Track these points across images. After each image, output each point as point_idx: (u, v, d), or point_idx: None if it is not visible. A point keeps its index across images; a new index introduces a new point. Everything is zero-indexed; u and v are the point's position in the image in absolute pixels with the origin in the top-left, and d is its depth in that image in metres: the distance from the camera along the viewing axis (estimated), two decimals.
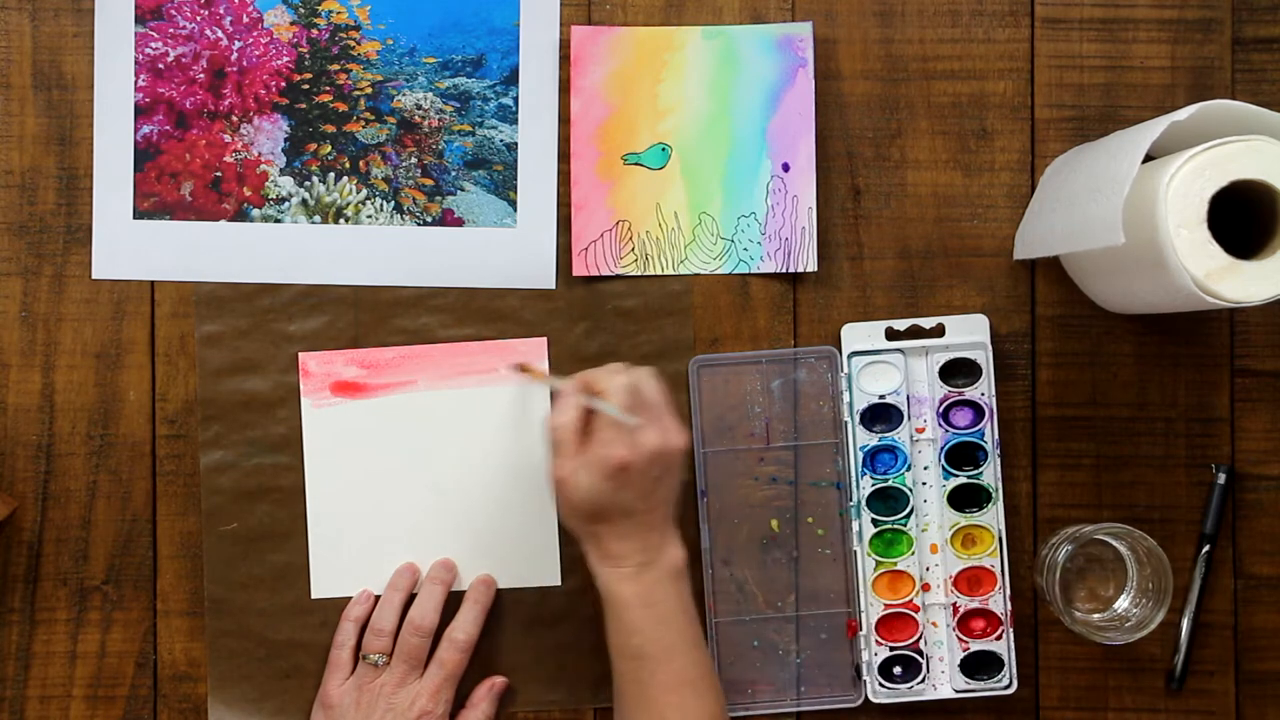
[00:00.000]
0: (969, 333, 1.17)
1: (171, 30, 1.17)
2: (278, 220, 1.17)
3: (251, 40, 1.17)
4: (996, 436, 1.16)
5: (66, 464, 1.17)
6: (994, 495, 1.16)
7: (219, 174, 1.17)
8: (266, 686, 1.17)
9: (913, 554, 1.16)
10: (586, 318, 1.17)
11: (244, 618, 1.17)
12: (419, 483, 1.16)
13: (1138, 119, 1.15)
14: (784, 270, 1.17)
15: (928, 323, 1.17)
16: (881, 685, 1.16)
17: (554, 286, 1.17)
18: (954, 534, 1.16)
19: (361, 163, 1.18)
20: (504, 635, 1.16)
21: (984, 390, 1.16)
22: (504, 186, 1.17)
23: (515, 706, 1.17)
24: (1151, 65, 1.18)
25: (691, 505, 1.17)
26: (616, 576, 1.07)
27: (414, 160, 1.18)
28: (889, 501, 1.16)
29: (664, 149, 1.17)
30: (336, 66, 1.18)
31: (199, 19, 1.17)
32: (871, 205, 1.18)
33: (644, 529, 1.06)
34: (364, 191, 1.17)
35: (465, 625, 1.14)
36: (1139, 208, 1.01)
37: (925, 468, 1.17)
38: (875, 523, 1.16)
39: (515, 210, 1.17)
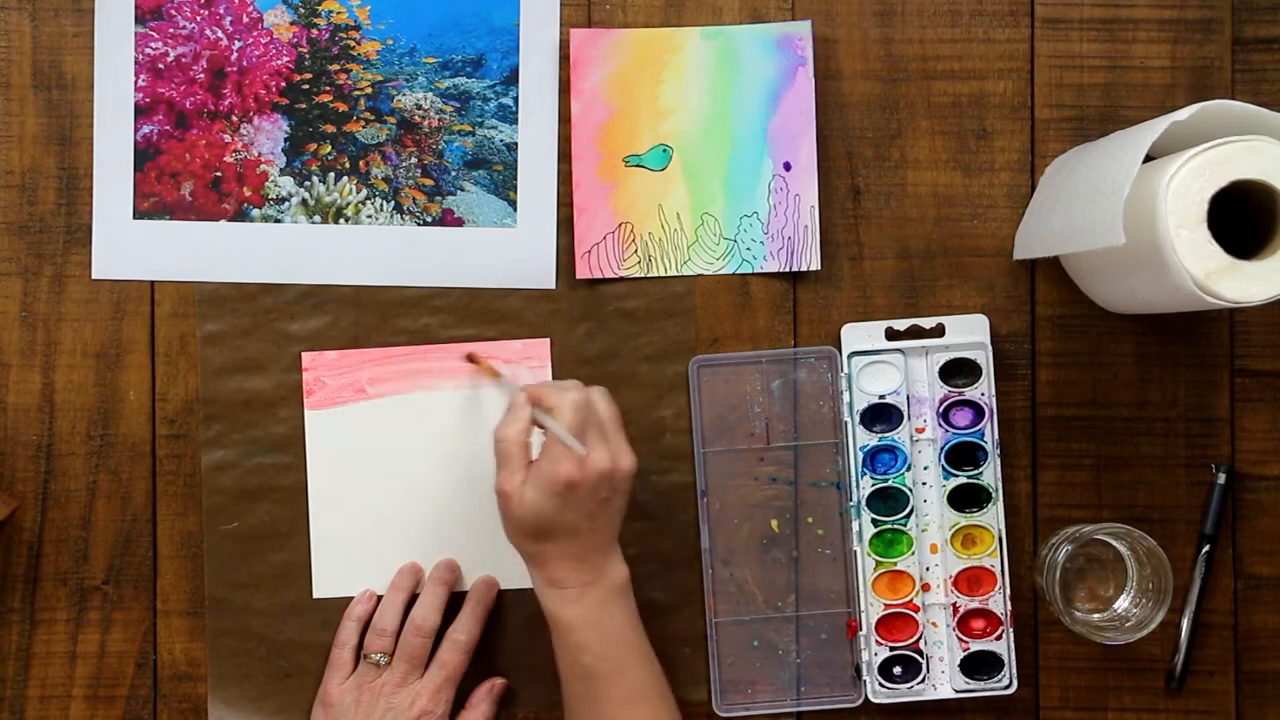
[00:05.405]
0: (969, 333, 1.17)
1: (171, 30, 1.17)
2: (278, 220, 1.17)
3: (251, 40, 1.17)
4: (996, 436, 1.16)
5: (66, 464, 1.17)
6: (994, 495, 1.16)
7: (219, 174, 1.17)
8: (267, 686, 1.17)
9: (913, 554, 1.16)
10: (588, 319, 1.17)
11: (245, 617, 1.16)
12: (421, 483, 1.16)
13: (1138, 119, 1.15)
14: (787, 269, 1.17)
15: (928, 323, 1.17)
16: (881, 685, 1.16)
17: (554, 286, 1.17)
18: (954, 534, 1.16)
19: (361, 163, 1.17)
20: (505, 636, 1.16)
21: (984, 390, 1.16)
22: (504, 186, 1.17)
23: (515, 707, 1.17)
24: (1151, 65, 1.18)
25: (692, 505, 1.17)
26: (559, 599, 1.06)
27: (414, 160, 1.18)
28: (889, 501, 1.16)
29: (665, 150, 1.17)
30: (336, 66, 1.18)
31: (199, 19, 1.17)
32: (871, 205, 1.18)
33: (587, 550, 1.06)
34: (364, 191, 1.17)
35: (467, 626, 1.14)
36: (1139, 208, 1.01)
37: (925, 468, 1.17)
38: (875, 523, 1.16)
39: (515, 210, 1.17)
